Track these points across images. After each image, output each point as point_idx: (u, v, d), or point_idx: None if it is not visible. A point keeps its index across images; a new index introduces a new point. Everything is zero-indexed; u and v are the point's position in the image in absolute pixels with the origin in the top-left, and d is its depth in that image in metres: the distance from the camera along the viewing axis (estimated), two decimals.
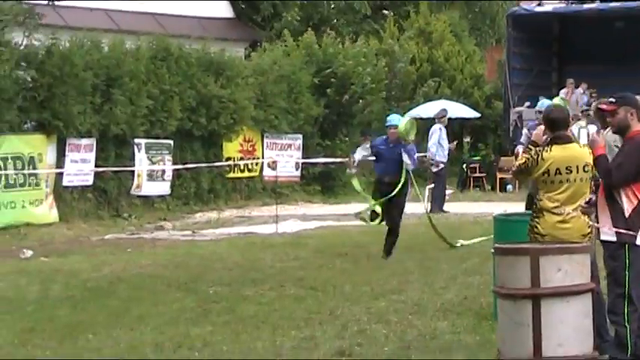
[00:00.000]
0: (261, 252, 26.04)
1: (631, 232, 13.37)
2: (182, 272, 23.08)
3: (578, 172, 14.27)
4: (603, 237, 13.68)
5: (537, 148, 14.51)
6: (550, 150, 14.31)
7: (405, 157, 24.69)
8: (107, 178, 35.67)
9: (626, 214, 13.54)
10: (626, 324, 13.66)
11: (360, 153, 26.76)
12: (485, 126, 47.61)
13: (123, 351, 15.75)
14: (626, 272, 13.68)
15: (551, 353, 13.17)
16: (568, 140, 14.65)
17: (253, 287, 20.26)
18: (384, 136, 26.20)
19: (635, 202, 13.50)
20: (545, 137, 14.90)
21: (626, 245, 13.55)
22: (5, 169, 31.28)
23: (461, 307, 18.12)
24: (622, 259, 13.64)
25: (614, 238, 13.62)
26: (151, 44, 39.08)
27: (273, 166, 40.60)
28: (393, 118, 26.02)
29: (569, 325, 13.27)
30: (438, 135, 37.61)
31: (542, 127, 15.11)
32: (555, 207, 14.21)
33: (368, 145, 26.91)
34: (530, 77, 43.36)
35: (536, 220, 14.50)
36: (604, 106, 14.72)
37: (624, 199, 13.56)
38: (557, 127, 14.61)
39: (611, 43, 41.73)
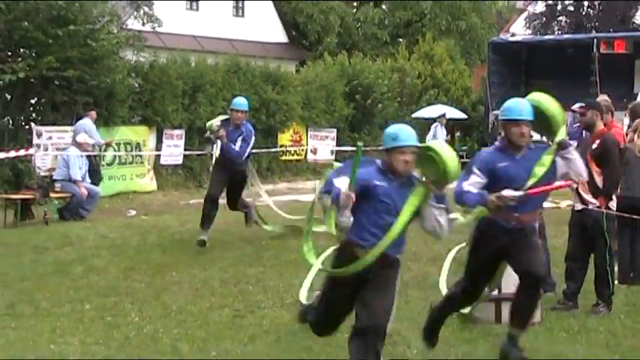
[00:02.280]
0: (303, 213, 25.96)
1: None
2: (244, 228, 23.07)
3: None
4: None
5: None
6: None
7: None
8: (192, 158, 35.68)
9: None
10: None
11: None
12: (472, 124, 47.39)
13: (197, 284, 15.89)
14: None
15: (507, 290, 13.10)
16: None
17: (295, 239, 20.19)
18: None
19: None
20: None
21: None
22: (119, 151, 31.38)
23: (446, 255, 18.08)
24: None
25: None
26: (226, 61, 39.03)
27: (314, 151, 40.65)
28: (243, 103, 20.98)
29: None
30: (434, 130, 37.86)
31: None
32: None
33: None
34: (505, 89, 42.98)
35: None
36: (576, 108, 15.09)
37: None
38: None
39: (564, 64, 41.57)
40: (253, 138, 20.31)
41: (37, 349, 11.63)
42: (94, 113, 29.34)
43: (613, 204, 14.34)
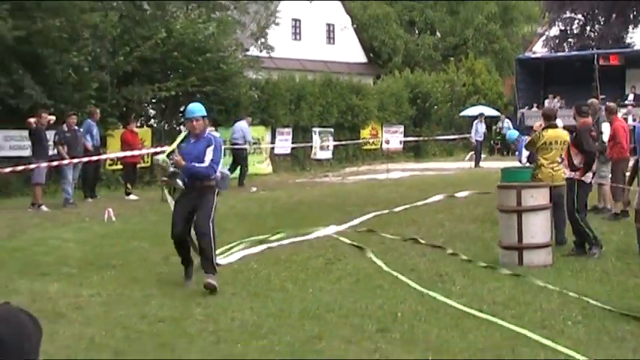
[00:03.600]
0: (378, 189, 25.96)
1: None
2: (334, 199, 23.06)
3: (559, 144, 14.63)
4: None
5: (538, 131, 15.47)
6: (546, 131, 14.73)
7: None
8: (298, 149, 35.82)
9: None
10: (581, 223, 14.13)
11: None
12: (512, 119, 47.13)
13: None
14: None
15: (526, 241, 13.19)
16: (555, 126, 14.99)
17: (373, 207, 20.23)
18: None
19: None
20: (539, 125, 15.84)
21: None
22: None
23: (484, 217, 18.04)
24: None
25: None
26: (321, 77, 39.13)
27: (387, 142, 40.58)
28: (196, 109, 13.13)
29: (536, 226, 13.27)
30: (475, 126, 37.72)
31: (540, 122, 16.17)
32: (549, 163, 14.56)
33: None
34: (528, 93, 42.89)
35: (537, 170, 14.78)
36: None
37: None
38: (549, 119, 15.05)
39: (573, 74, 41.24)
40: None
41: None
42: (249, 118, 29.80)
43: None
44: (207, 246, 11.96)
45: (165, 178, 12.50)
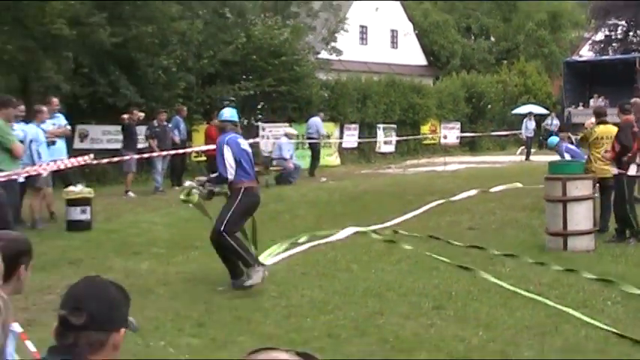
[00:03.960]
0: (436, 179, 25.84)
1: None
2: (396, 188, 22.99)
3: (609, 139, 14.39)
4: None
5: (590, 127, 15.73)
6: (598, 127, 14.88)
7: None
8: (364, 143, 35.80)
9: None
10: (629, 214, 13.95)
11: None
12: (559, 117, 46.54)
13: (362, 226, 15.88)
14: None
15: (571, 229, 13.08)
16: (606, 122, 15.09)
17: (431, 196, 20.16)
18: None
19: None
20: (590, 122, 15.83)
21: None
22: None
23: (532, 206, 17.90)
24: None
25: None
26: (385, 78, 39.11)
27: (445, 137, 40.45)
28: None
29: (580, 214, 13.17)
30: (525, 123, 37.53)
31: (592, 119, 16.21)
32: (600, 157, 14.62)
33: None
34: (575, 94, 42.32)
35: (589, 164, 14.75)
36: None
37: None
38: (600, 116, 15.26)
39: (616, 76, 40.58)
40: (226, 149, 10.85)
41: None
42: (322, 114, 29.83)
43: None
44: (217, 248, 10.82)
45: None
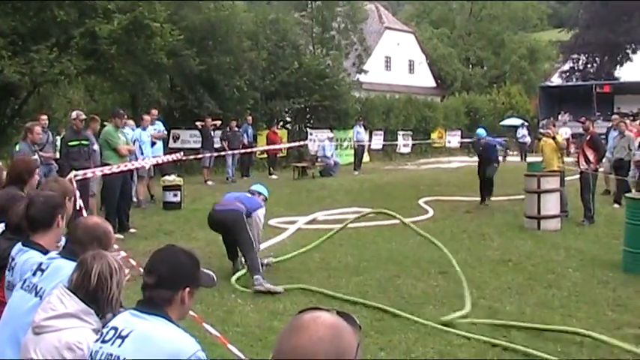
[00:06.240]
0: (442, 174, 25.45)
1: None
2: (411, 180, 22.30)
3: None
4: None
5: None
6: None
7: None
8: (387, 145, 35.52)
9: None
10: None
11: None
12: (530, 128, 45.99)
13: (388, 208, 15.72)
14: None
15: (544, 213, 12.96)
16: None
17: (438, 187, 19.89)
18: None
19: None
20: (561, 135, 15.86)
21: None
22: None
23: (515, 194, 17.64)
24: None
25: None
26: (403, 96, 38.87)
27: (449, 142, 40.07)
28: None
29: (551, 203, 13.07)
30: (519, 131, 36.43)
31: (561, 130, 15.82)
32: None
33: None
34: (547, 110, 41.83)
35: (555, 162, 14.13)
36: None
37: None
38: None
39: (578, 98, 40.26)
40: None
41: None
42: (363, 122, 29.43)
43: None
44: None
45: None
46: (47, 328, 3.03)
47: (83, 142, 12.53)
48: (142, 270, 2.78)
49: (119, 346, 2.70)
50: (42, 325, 3.04)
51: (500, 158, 16.19)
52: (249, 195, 9.62)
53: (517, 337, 6.80)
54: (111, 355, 2.69)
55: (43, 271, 3.50)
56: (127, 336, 2.71)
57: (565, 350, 6.44)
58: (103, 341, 2.76)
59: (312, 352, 1.59)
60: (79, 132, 12.53)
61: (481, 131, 17.73)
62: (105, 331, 2.80)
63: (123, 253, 7.69)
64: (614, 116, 18.72)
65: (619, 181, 15.69)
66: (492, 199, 16.83)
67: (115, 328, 2.76)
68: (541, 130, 16.21)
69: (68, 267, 3.32)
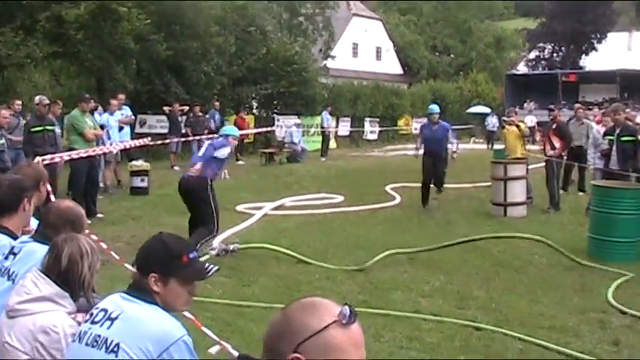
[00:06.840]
0: (409, 161, 25.50)
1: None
2: (378, 167, 22.50)
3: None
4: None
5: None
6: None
7: None
8: (354, 132, 35.55)
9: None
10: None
11: None
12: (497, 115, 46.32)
13: (352, 194, 15.70)
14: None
15: (510, 200, 13.08)
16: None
17: (404, 174, 19.93)
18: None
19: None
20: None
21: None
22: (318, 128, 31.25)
23: (479, 182, 17.79)
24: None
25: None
26: (372, 83, 38.96)
27: (416, 129, 39.85)
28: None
29: (516, 190, 13.21)
30: (488, 119, 36.66)
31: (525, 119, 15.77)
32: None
33: None
34: (513, 98, 42.27)
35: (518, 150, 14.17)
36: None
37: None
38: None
39: (544, 86, 40.77)
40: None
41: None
42: (330, 109, 29.25)
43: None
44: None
45: None
46: (22, 312, 3.02)
47: (47, 127, 12.43)
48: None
49: (108, 328, 2.72)
50: (16, 309, 3.03)
51: (450, 151, 14.53)
52: (219, 140, 9.92)
53: (484, 320, 6.90)
54: (99, 336, 2.71)
55: (15, 254, 3.48)
56: (116, 318, 2.73)
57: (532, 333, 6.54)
58: (93, 322, 2.77)
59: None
60: (43, 117, 12.45)
61: (434, 107, 15.36)
62: (95, 312, 2.81)
63: (94, 237, 7.62)
64: (576, 104, 18.97)
65: (580, 168, 15.88)
66: (459, 185, 16.95)
67: (105, 310, 2.78)
68: (504, 118, 16.08)
69: (41, 250, 3.31)
